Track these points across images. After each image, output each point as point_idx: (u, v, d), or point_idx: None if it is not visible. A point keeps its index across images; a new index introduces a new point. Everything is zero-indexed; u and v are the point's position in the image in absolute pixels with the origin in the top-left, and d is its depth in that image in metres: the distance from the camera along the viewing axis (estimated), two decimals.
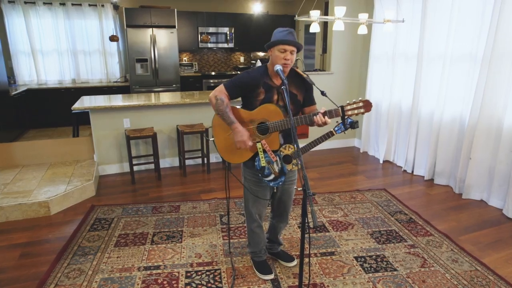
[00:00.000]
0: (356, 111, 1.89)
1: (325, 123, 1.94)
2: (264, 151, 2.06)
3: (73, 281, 2.35)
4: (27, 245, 2.82)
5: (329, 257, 2.64)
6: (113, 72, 7.02)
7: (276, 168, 2.06)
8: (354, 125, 1.92)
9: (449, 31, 3.73)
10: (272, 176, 2.10)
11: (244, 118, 2.09)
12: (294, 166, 2.02)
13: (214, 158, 4.89)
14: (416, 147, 4.39)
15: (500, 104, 3.37)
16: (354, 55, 5.35)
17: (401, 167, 4.64)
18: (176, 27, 6.54)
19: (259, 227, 2.38)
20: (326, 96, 1.97)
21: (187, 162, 4.71)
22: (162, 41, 6.49)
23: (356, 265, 2.54)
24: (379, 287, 2.31)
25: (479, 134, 3.52)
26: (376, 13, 4.72)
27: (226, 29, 7.32)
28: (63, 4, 6.36)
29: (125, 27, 6.25)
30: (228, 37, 7.38)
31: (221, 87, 2.08)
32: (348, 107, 1.90)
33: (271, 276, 2.41)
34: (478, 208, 3.48)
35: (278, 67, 1.95)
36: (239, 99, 2.17)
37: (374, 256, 2.65)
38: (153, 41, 6.43)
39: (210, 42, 7.29)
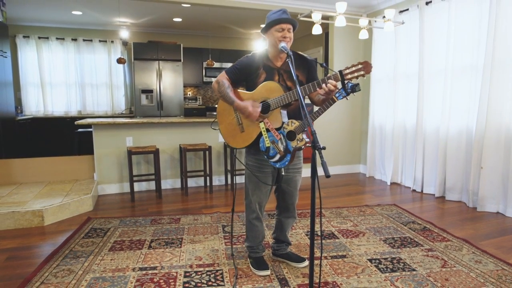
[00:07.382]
0: (356, 74, 1.82)
1: (332, 89, 1.85)
2: (268, 130, 2.00)
3: (61, 280, 2.14)
4: (15, 249, 2.63)
5: (340, 260, 2.43)
6: (119, 104, 7.14)
7: (281, 146, 1.98)
8: (355, 88, 1.82)
9: (448, 44, 3.82)
10: (277, 157, 2.01)
11: (245, 99, 2.07)
12: (298, 142, 1.93)
13: (217, 180, 4.77)
14: (424, 165, 4.27)
15: (507, 111, 3.33)
16: (355, 80, 5.44)
17: (410, 187, 4.47)
18: (182, 61, 6.78)
19: (258, 219, 2.24)
20: (326, 67, 1.95)
21: (189, 183, 4.58)
22: (168, 73, 6.68)
23: (371, 266, 2.32)
24: (398, 285, 2.09)
25: (488, 143, 3.44)
26: (375, 36, 4.90)
27: (229, 65, 7.55)
28: (75, 39, 6.67)
29: (132, 60, 6.49)
30: None
31: (222, 73, 2.12)
32: (347, 71, 1.84)
33: (267, 272, 2.22)
34: (495, 219, 3.28)
35: (282, 44, 1.96)
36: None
37: (389, 258, 2.44)
38: (159, 73, 6.62)
39: (215, 77, 7.50)
